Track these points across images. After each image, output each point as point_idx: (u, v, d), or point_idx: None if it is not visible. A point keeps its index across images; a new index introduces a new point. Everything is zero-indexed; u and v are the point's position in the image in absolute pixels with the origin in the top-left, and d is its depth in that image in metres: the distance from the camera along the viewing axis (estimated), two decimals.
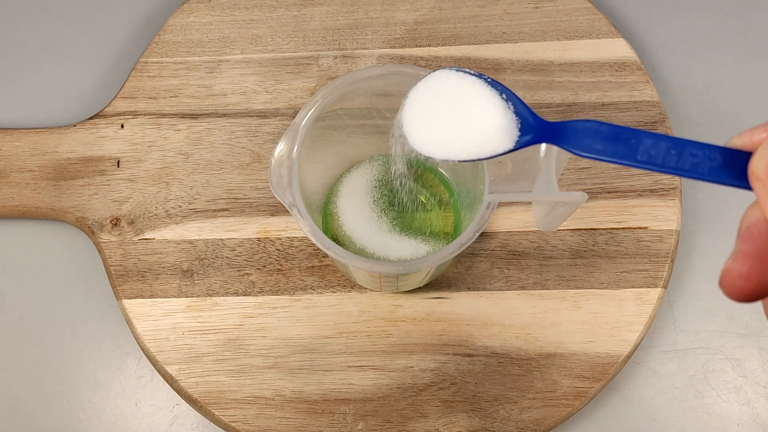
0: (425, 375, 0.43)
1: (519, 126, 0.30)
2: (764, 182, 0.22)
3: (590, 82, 0.49)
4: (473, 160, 0.30)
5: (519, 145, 0.30)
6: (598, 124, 0.27)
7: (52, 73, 0.54)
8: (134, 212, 0.47)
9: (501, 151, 0.30)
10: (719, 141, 0.51)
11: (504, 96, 0.30)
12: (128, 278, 0.45)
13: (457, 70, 0.31)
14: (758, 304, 0.24)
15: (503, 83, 0.49)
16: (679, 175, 0.26)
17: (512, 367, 0.43)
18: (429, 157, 0.30)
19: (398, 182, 0.42)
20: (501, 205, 0.46)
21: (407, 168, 0.42)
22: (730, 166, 0.25)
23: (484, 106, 0.30)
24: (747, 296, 0.22)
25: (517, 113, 0.30)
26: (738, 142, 0.25)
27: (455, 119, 0.30)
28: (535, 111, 0.49)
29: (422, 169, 0.45)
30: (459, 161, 0.30)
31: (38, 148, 0.49)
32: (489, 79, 0.31)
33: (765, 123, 0.24)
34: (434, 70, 0.31)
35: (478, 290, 0.45)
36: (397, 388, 0.43)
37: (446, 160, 0.30)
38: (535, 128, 0.30)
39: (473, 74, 0.31)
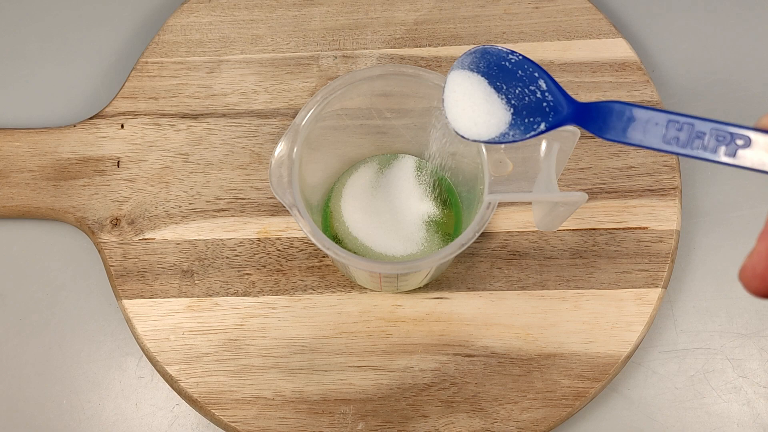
0: (425, 375, 0.43)
1: (550, 108, 0.30)
2: None
3: (590, 82, 0.49)
4: (509, 142, 0.30)
5: (550, 127, 0.30)
6: (626, 107, 0.27)
7: (52, 73, 0.54)
8: (134, 212, 0.47)
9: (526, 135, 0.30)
10: None
11: (535, 77, 0.30)
12: (128, 278, 0.45)
13: (484, 53, 0.31)
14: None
15: None
16: (703, 159, 0.25)
17: (512, 368, 0.43)
18: (475, 140, 0.31)
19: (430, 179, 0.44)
20: (501, 205, 0.46)
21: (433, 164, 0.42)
22: (760, 149, 0.24)
23: (507, 96, 0.31)
24: (764, 293, 0.22)
25: (544, 96, 0.30)
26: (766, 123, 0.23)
27: (489, 106, 0.31)
28: None
29: (423, 169, 0.45)
30: (502, 144, 0.31)
31: (38, 148, 0.49)
32: (519, 58, 0.31)
33: None
34: (471, 50, 0.32)
35: (478, 290, 0.45)
36: (397, 388, 0.43)
37: (490, 142, 0.31)
38: (566, 110, 0.30)
39: (502, 55, 0.31)
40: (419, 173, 0.45)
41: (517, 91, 0.30)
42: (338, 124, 0.41)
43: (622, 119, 0.27)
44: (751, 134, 0.24)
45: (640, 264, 0.45)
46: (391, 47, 0.50)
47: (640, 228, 0.46)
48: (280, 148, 0.36)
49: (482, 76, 0.31)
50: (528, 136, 0.30)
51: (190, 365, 0.44)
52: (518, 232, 0.46)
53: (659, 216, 0.46)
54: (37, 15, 0.55)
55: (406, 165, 0.45)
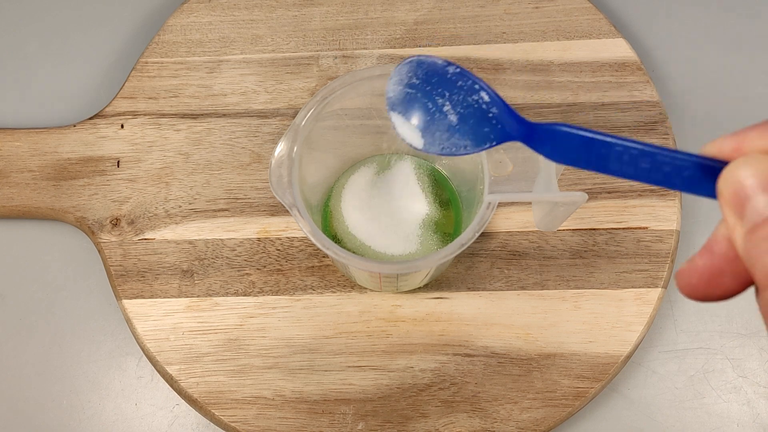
0: (425, 375, 0.43)
1: (497, 121, 0.29)
2: (729, 204, 0.21)
3: (590, 82, 0.49)
4: (462, 154, 0.30)
5: (499, 141, 0.29)
6: (569, 129, 0.26)
7: (52, 73, 0.54)
8: (134, 212, 0.47)
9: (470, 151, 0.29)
10: None
11: (476, 88, 0.30)
12: (128, 278, 0.45)
13: (419, 64, 0.31)
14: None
15: (503, 83, 0.49)
16: (654, 185, 0.24)
17: (512, 367, 0.43)
18: (418, 149, 0.30)
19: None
20: (501, 205, 0.46)
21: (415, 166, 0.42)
22: (703, 178, 0.23)
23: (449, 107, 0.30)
24: (695, 299, 0.23)
25: (489, 108, 0.29)
26: (709, 151, 0.22)
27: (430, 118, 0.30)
28: (536, 111, 0.49)
29: (423, 169, 0.45)
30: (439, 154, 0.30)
31: (38, 148, 0.49)
32: (458, 72, 0.30)
33: (733, 133, 0.22)
34: (403, 62, 0.31)
35: (478, 290, 0.45)
36: (397, 388, 0.43)
37: (428, 152, 0.30)
38: (513, 127, 0.29)
39: (438, 67, 0.30)
40: (419, 173, 0.45)
41: (459, 101, 0.30)
42: (338, 124, 0.40)
43: (569, 143, 0.26)
44: (693, 163, 0.23)
45: (640, 264, 0.45)
46: (391, 47, 0.50)
47: (640, 228, 0.46)
48: (280, 148, 0.36)
49: (420, 88, 0.30)
50: (479, 149, 0.29)
51: (190, 365, 0.44)
52: (518, 232, 0.46)
53: (659, 216, 0.46)
54: (37, 15, 0.55)
55: (406, 165, 0.45)
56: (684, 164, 0.23)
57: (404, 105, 0.31)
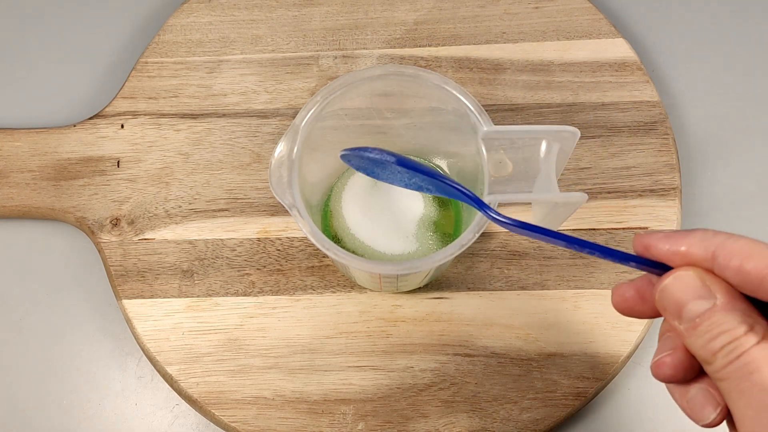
0: (425, 375, 0.43)
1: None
2: (668, 311, 0.26)
3: (590, 82, 0.49)
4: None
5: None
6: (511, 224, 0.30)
7: (52, 73, 0.54)
8: (134, 212, 0.47)
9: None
10: (719, 140, 0.51)
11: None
12: (128, 278, 0.45)
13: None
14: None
15: (503, 83, 0.49)
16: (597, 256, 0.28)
17: (512, 367, 0.43)
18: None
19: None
20: (501, 205, 0.46)
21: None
22: (640, 263, 0.27)
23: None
24: (626, 315, 0.29)
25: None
26: (642, 244, 0.27)
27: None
28: (536, 111, 0.49)
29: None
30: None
31: (38, 148, 0.49)
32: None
33: (666, 235, 0.27)
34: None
35: (478, 290, 0.45)
36: (397, 388, 0.43)
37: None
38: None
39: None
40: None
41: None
42: (338, 124, 0.40)
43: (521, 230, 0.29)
44: (632, 261, 0.27)
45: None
46: (391, 47, 0.50)
47: (640, 228, 0.46)
48: (280, 148, 0.36)
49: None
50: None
51: (190, 365, 0.44)
52: None
53: (659, 216, 0.46)
54: (37, 15, 0.55)
55: None
56: (620, 259, 0.27)
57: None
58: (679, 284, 0.26)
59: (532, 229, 0.29)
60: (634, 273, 0.45)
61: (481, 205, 0.32)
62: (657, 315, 0.28)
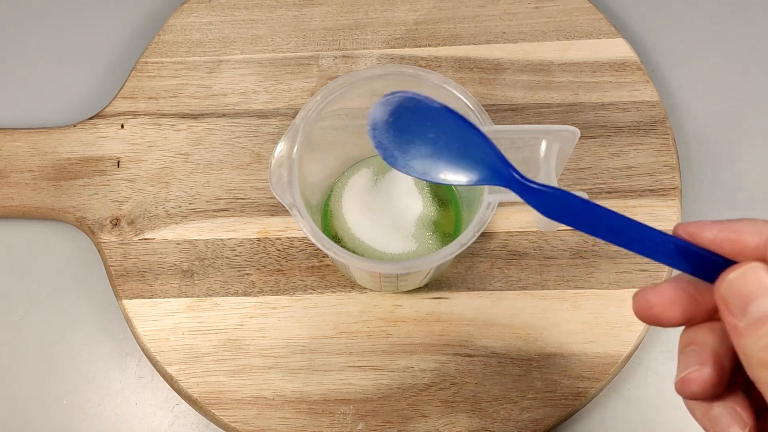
0: (425, 375, 0.43)
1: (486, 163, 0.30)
2: (730, 304, 0.24)
3: (590, 82, 0.49)
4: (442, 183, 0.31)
5: (475, 183, 0.30)
6: (566, 197, 0.28)
7: (52, 73, 0.54)
8: (134, 212, 0.47)
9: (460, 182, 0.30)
10: (719, 140, 0.51)
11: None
12: (128, 278, 0.45)
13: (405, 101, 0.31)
14: None
15: (503, 83, 0.49)
16: (640, 254, 0.27)
17: (512, 367, 0.43)
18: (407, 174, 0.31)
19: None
20: (501, 205, 0.46)
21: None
22: (681, 256, 0.26)
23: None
24: (643, 320, 0.27)
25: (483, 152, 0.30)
26: (686, 232, 0.26)
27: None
28: (535, 111, 0.49)
29: None
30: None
31: (38, 148, 0.49)
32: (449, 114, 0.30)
33: (720, 224, 0.25)
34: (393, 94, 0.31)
35: (478, 290, 0.45)
36: (397, 388, 0.43)
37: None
38: (499, 174, 0.30)
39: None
40: None
41: (447, 137, 0.30)
42: (338, 124, 0.40)
43: (563, 204, 0.28)
44: (672, 243, 0.26)
45: (640, 264, 0.45)
46: (391, 47, 0.50)
47: None
48: (280, 148, 0.36)
49: (407, 130, 0.31)
50: (467, 182, 0.30)
51: (190, 365, 0.44)
52: (518, 232, 0.46)
53: (659, 216, 0.46)
54: (37, 15, 0.55)
55: None
56: (663, 242, 0.26)
57: (387, 127, 0.31)
58: (748, 278, 0.24)
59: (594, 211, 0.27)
60: (634, 275, 0.45)
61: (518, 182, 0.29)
62: (682, 323, 0.26)
